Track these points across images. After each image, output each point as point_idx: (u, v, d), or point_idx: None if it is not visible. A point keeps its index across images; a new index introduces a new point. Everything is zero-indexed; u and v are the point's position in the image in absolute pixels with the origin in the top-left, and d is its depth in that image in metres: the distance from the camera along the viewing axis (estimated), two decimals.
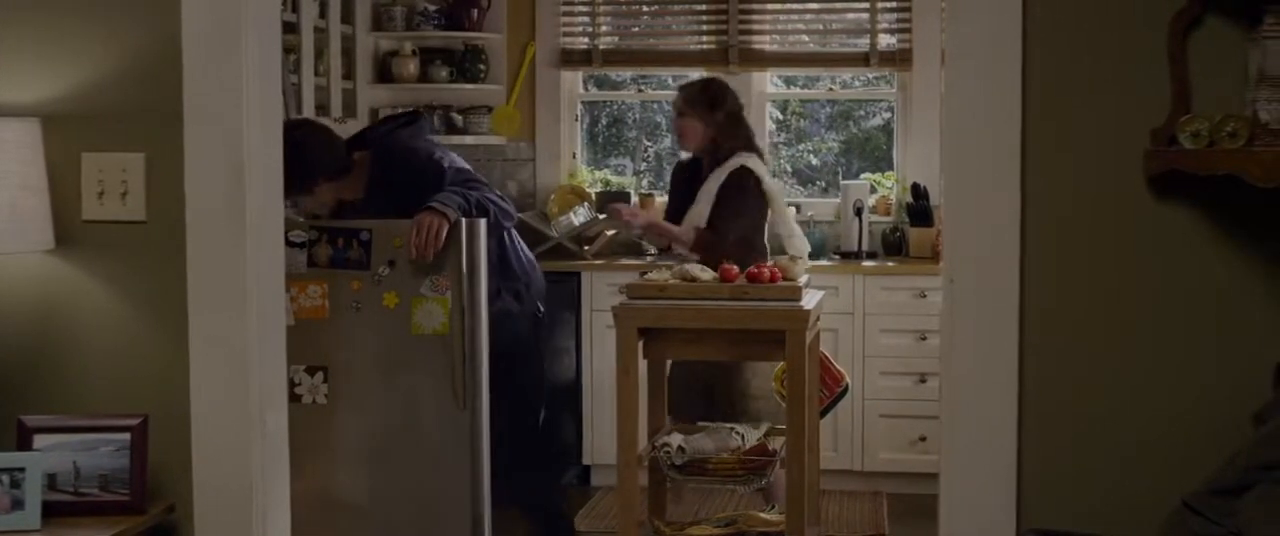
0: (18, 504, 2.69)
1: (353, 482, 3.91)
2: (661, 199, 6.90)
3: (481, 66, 6.62)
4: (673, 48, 6.82)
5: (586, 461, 6.22)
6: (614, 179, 7.08)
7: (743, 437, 4.47)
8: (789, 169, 7.23)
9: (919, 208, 6.31)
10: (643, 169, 7.38)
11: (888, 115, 7.04)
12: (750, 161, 4.99)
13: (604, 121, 7.38)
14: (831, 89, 7.07)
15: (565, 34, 6.81)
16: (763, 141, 5.91)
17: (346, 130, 4.69)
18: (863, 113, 7.30)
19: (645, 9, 6.94)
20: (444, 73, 6.57)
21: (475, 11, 6.55)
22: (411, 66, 6.49)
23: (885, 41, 6.63)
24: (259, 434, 2.84)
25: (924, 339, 5.92)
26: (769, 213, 5.05)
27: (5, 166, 2.77)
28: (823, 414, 4.83)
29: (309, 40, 5.50)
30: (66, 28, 2.88)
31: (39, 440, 2.78)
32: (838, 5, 6.70)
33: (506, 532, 4.50)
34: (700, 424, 4.59)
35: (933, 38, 6.31)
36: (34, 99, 2.89)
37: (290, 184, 3.45)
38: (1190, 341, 2.75)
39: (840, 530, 5.55)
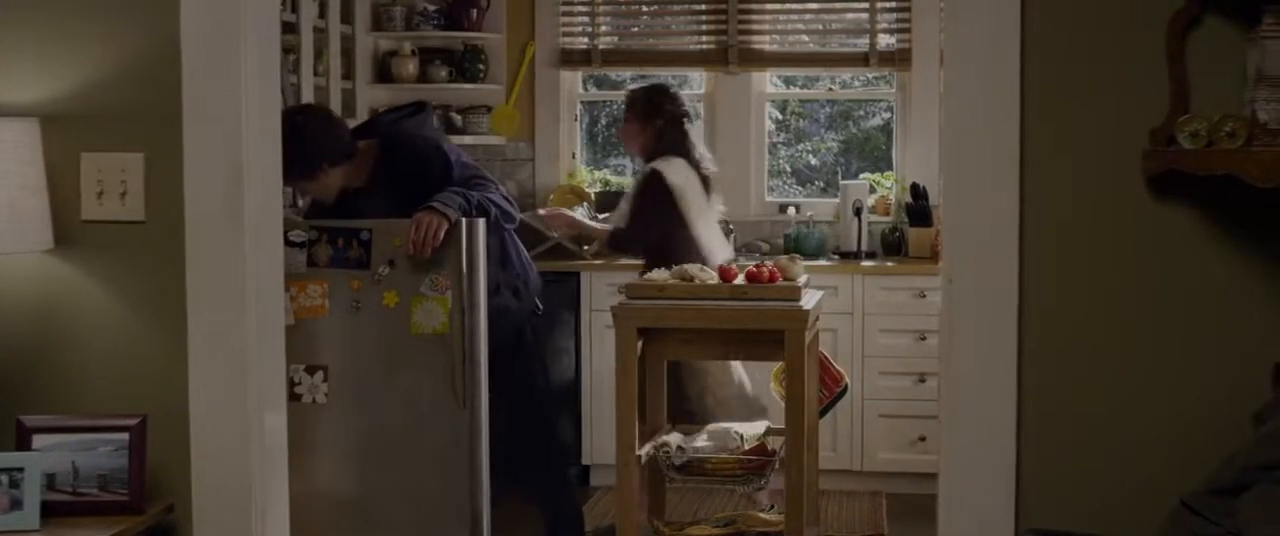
0: (16, 504, 2.69)
1: (352, 482, 3.91)
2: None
3: (481, 66, 6.63)
4: (672, 48, 6.82)
5: (586, 461, 6.22)
6: (613, 179, 7.08)
7: (742, 438, 4.47)
8: (788, 169, 7.23)
9: (918, 208, 6.32)
10: None
11: (887, 115, 7.04)
12: (665, 165, 5.07)
13: (603, 121, 7.38)
14: (831, 89, 7.07)
15: (565, 34, 6.81)
16: (755, 148, 5.91)
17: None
18: (862, 113, 7.30)
19: (645, 9, 6.94)
20: (443, 72, 6.57)
21: (475, 11, 6.55)
22: (411, 66, 6.49)
23: (885, 41, 6.63)
24: (258, 433, 2.84)
25: (923, 339, 5.92)
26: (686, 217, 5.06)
27: (4, 166, 2.77)
28: (822, 414, 4.84)
29: (308, 40, 5.50)
30: (66, 28, 2.88)
31: (38, 440, 2.78)
32: (837, 5, 6.70)
33: (508, 531, 4.51)
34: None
35: (932, 38, 6.30)
36: (33, 99, 2.89)
37: (293, 169, 3.46)
38: (1189, 341, 2.75)
39: (839, 530, 5.55)
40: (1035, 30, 2.72)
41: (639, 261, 5.28)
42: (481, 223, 3.87)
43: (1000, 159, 2.73)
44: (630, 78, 7.08)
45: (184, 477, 2.87)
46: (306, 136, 4.03)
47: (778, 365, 4.59)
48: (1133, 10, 2.71)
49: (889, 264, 6.22)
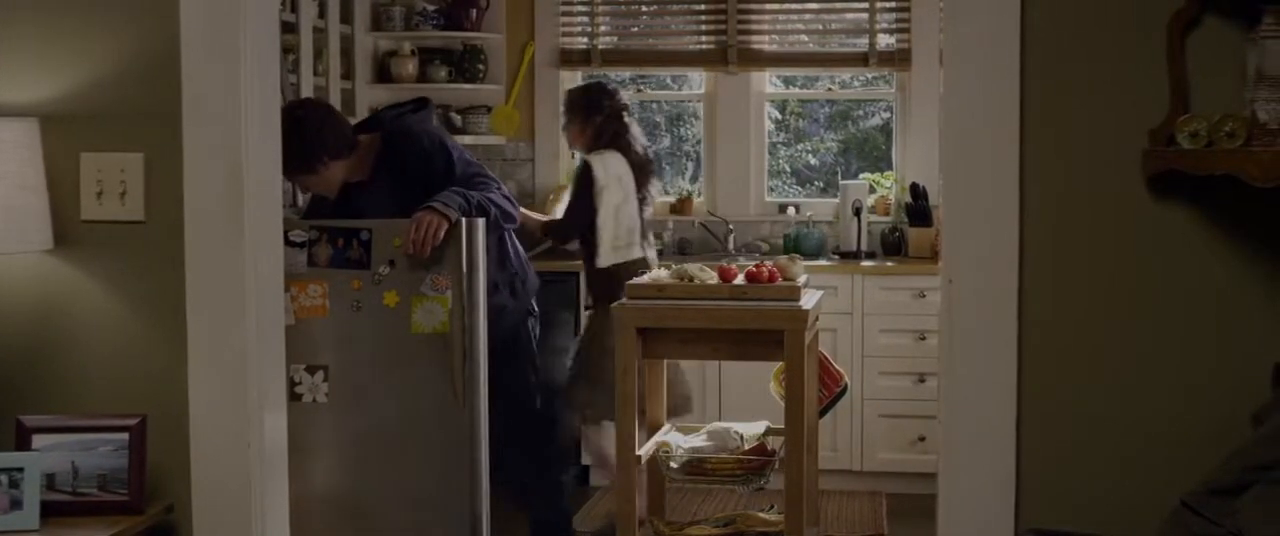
0: (16, 504, 2.69)
1: (352, 481, 3.91)
2: (661, 199, 6.92)
3: (480, 66, 6.63)
4: (672, 48, 6.82)
5: (586, 461, 6.21)
6: None
7: (742, 437, 4.47)
8: (788, 169, 7.23)
9: (918, 208, 6.32)
10: None
11: (887, 115, 7.04)
12: (597, 159, 5.24)
13: None
14: (830, 89, 7.07)
15: (564, 34, 6.81)
16: (755, 148, 5.91)
17: None
18: (862, 113, 7.30)
19: (644, 9, 6.94)
20: (443, 72, 6.57)
21: (474, 11, 6.55)
22: (410, 66, 6.49)
23: (884, 41, 6.63)
24: (258, 433, 2.84)
25: (923, 339, 5.92)
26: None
27: (4, 166, 2.77)
28: (822, 414, 4.84)
29: (308, 40, 5.50)
30: (66, 28, 2.88)
31: (37, 440, 2.78)
32: (837, 5, 6.70)
33: (506, 531, 4.51)
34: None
35: (932, 38, 6.30)
36: (33, 99, 2.89)
37: (292, 163, 3.46)
38: (1189, 341, 2.75)
39: (839, 530, 5.55)
40: (1035, 30, 2.72)
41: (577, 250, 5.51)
42: (481, 222, 3.87)
43: (1000, 159, 2.73)
44: (630, 78, 7.08)
45: (184, 478, 2.86)
46: (305, 129, 4.04)
47: (778, 365, 4.59)
48: (1133, 10, 2.71)
49: (889, 264, 6.22)
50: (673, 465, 4.37)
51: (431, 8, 6.53)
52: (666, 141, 7.30)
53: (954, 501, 2.82)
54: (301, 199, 4.78)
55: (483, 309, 3.84)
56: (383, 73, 6.52)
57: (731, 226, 6.68)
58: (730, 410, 5.91)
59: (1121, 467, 2.78)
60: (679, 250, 6.66)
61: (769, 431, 4.59)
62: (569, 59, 6.81)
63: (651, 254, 5.41)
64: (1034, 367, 2.77)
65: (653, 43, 6.89)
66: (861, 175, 6.85)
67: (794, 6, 6.76)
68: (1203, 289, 2.74)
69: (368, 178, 4.23)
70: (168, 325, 2.86)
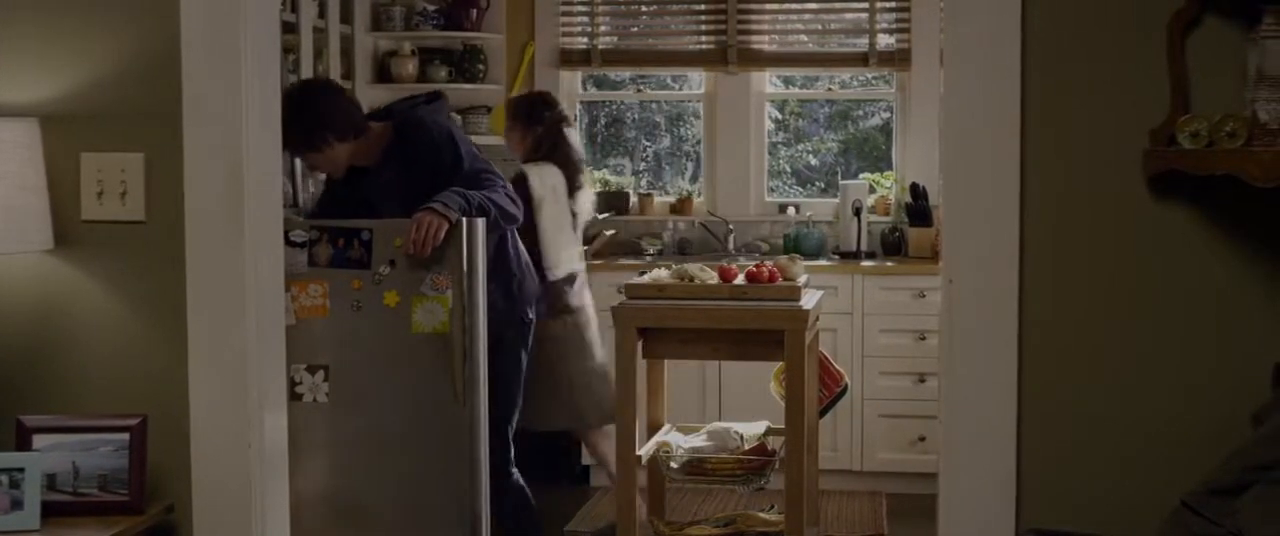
0: (17, 504, 2.69)
1: (352, 481, 3.91)
2: (661, 199, 6.93)
3: (480, 66, 6.62)
4: (672, 48, 6.82)
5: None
6: (613, 179, 7.09)
7: (742, 437, 4.47)
8: (788, 169, 7.23)
9: (918, 207, 6.32)
10: (641, 169, 7.38)
11: (887, 115, 7.04)
12: (531, 169, 5.20)
13: (603, 121, 7.38)
14: (830, 89, 7.07)
15: (564, 34, 6.81)
16: (755, 148, 5.90)
17: None
18: (861, 113, 7.31)
19: (644, 9, 6.94)
20: (443, 73, 6.57)
21: (474, 11, 6.55)
22: (410, 66, 6.49)
23: (884, 41, 6.63)
24: (258, 433, 2.84)
25: (923, 339, 5.92)
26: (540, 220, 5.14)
27: (4, 166, 2.77)
28: (822, 414, 4.84)
29: (308, 40, 5.50)
30: (66, 28, 2.88)
31: (38, 440, 2.78)
32: (837, 5, 6.70)
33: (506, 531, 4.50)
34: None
35: (932, 38, 6.30)
36: (33, 99, 2.89)
37: (295, 139, 3.44)
38: (1189, 341, 2.75)
39: (839, 530, 5.55)
40: (1035, 30, 2.72)
41: None
42: (481, 223, 3.87)
43: (1000, 159, 2.73)
44: (630, 77, 7.08)
45: (184, 478, 2.86)
46: (309, 107, 4.06)
47: (778, 365, 4.59)
48: (1133, 10, 2.71)
49: (889, 264, 6.22)
50: (673, 465, 4.37)
51: (431, 8, 6.53)
52: (666, 141, 7.30)
53: (954, 501, 2.82)
54: (303, 199, 4.77)
55: (483, 309, 3.85)
56: (383, 73, 6.52)
57: (731, 226, 6.68)
58: (730, 410, 5.91)
59: (1121, 467, 2.78)
60: (679, 250, 6.66)
61: (769, 431, 4.59)
62: (569, 59, 6.81)
63: (582, 266, 5.40)
64: (1034, 367, 2.77)
65: (653, 43, 6.89)
66: (861, 175, 6.85)
67: (794, 6, 6.76)
68: (1203, 289, 2.74)
69: (377, 165, 4.23)
70: (168, 325, 2.87)
